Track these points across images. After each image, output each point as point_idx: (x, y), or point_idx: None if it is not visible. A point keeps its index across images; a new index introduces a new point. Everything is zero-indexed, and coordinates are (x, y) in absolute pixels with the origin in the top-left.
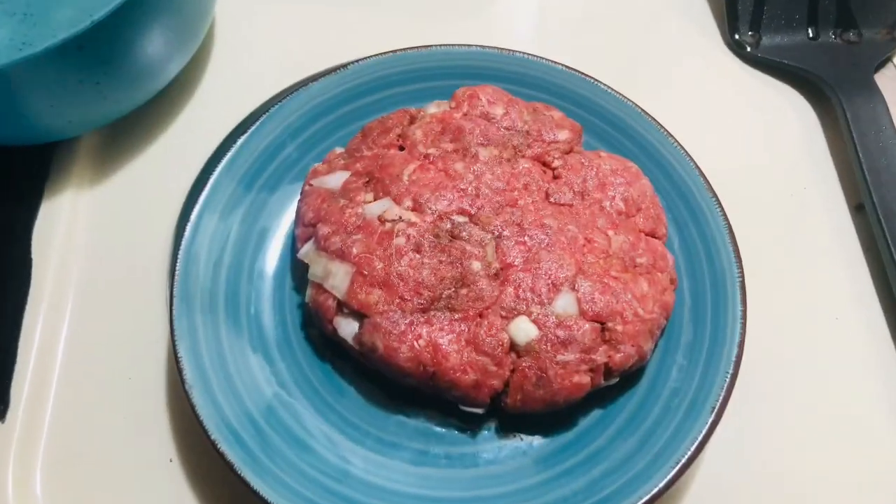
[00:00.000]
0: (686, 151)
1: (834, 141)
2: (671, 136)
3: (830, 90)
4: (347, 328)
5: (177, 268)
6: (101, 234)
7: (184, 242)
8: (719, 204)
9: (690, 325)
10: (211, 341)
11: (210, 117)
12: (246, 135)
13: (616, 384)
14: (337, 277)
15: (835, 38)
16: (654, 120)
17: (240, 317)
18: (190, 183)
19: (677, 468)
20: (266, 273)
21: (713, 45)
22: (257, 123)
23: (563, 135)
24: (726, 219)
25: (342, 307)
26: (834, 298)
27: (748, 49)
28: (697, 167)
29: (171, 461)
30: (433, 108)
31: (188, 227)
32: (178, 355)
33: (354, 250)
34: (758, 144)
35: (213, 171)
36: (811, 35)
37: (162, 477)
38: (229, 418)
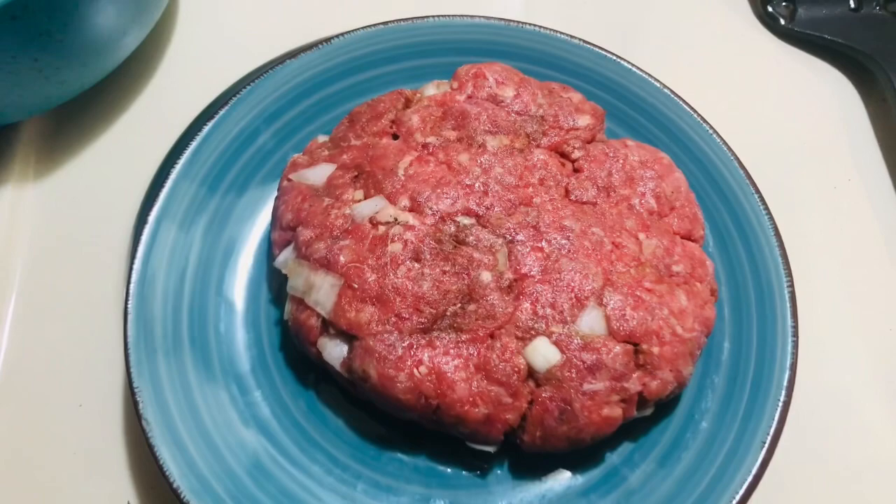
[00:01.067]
0: (723, 139)
1: (880, 124)
2: (706, 121)
3: (877, 67)
4: (334, 352)
5: (129, 297)
6: (46, 236)
7: (136, 265)
8: (763, 201)
9: (730, 341)
10: (175, 376)
11: (172, 101)
12: (212, 122)
13: (650, 413)
14: (321, 291)
15: (880, 10)
16: (687, 104)
17: (208, 340)
18: (151, 174)
19: None
20: (237, 284)
21: (743, 17)
22: (226, 108)
23: (584, 120)
24: (772, 218)
25: (328, 327)
26: (887, 304)
27: (782, 22)
28: (736, 157)
29: None
30: (432, 90)
31: (140, 248)
32: (137, 396)
33: (342, 259)
34: (794, 131)
35: (174, 166)
36: (853, 6)
37: None
38: (197, 464)
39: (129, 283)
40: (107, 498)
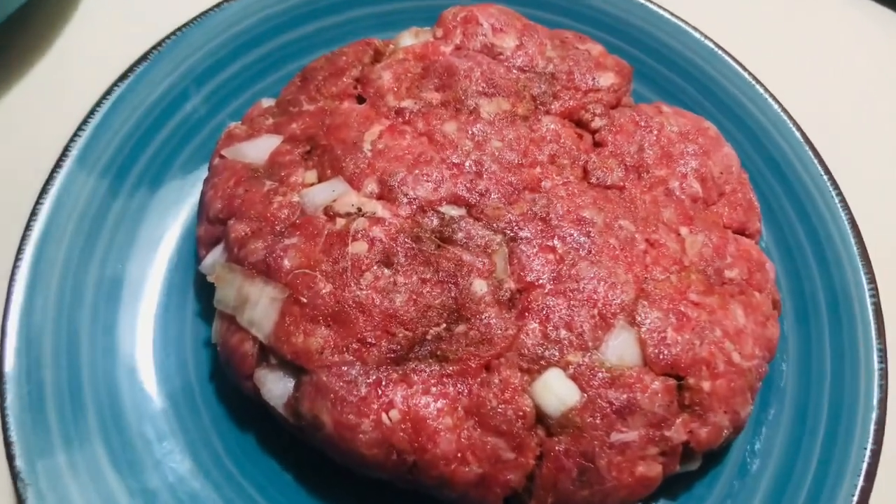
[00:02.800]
0: (783, 106)
1: None
2: (759, 82)
3: None
4: (276, 388)
5: (6, 327)
6: None
7: (17, 285)
8: (835, 185)
9: (793, 363)
10: (69, 424)
11: (86, 57)
12: (123, 84)
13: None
14: (258, 307)
15: None
16: (736, 60)
17: (114, 373)
18: (57, 149)
19: None
20: (151, 295)
21: None
22: (144, 64)
23: (607, 79)
24: (847, 208)
25: (267, 355)
26: None
27: None
28: (799, 128)
29: None
30: (409, 39)
31: (23, 263)
32: (14, 454)
33: (286, 263)
34: (870, 97)
35: (67, 154)
36: None
37: None
38: None
39: (6, 312)
40: None
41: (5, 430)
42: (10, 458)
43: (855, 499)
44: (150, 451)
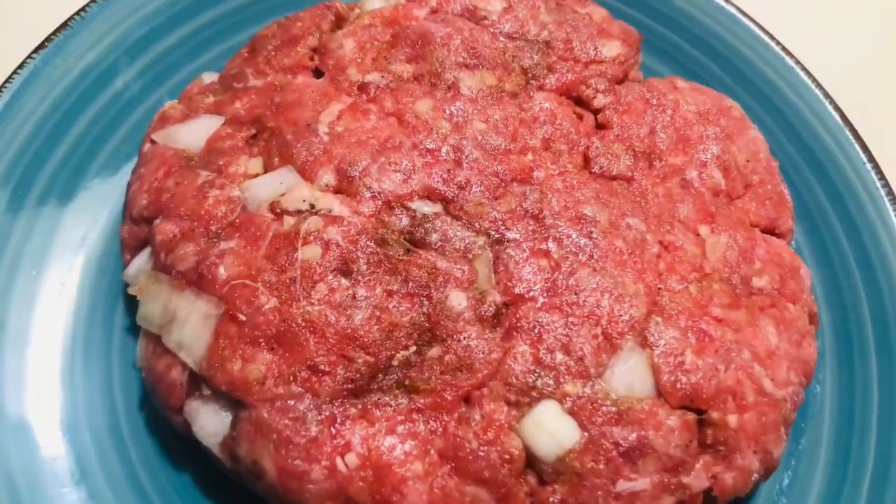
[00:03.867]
0: (816, 80)
1: None
2: (790, 55)
3: None
4: (210, 424)
5: None
6: None
7: None
8: (881, 174)
9: (835, 389)
10: None
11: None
12: (37, 57)
13: None
14: (188, 326)
15: None
16: (763, 28)
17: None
18: None
19: None
20: (66, 304)
21: None
22: (63, 32)
23: (612, 49)
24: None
25: (199, 384)
26: None
27: None
28: (839, 109)
29: None
30: (377, 2)
31: None
32: None
33: (222, 271)
34: None
35: None
36: None
37: None
38: None
39: None
40: None
41: None
42: None
43: None
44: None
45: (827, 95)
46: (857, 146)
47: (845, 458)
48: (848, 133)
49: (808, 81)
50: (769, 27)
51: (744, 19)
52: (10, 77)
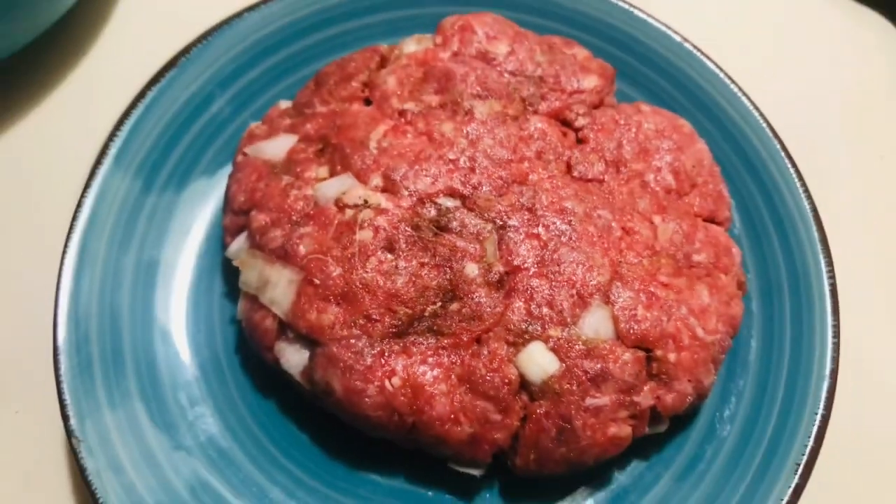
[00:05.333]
0: (754, 103)
1: None
2: (734, 82)
3: None
4: (293, 359)
5: (58, 304)
6: None
7: (67, 267)
8: (800, 176)
9: (760, 339)
10: (113, 389)
11: (117, 63)
12: (155, 88)
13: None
14: (277, 288)
15: None
16: (711, 60)
17: (152, 344)
18: (96, 148)
19: None
20: (183, 278)
21: None
22: (173, 70)
23: (590, 81)
24: (810, 197)
25: (286, 329)
26: None
27: None
28: (769, 124)
29: None
30: (412, 46)
31: (70, 249)
32: (67, 411)
33: (301, 249)
34: (835, 91)
35: (107, 152)
36: None
37: None
38: (137, 489)
39: (58, 289)
40: None
41: (60, 395)
42: (66, 418)
43: (804, 458)
44: (184, 415)
45: (761, 114)
46: (783, 154)
47: (764, 388)
48: (776, 144)
49: (747, 103)
50: (717, 59)
51: (698, 54)
52: (134, 103)
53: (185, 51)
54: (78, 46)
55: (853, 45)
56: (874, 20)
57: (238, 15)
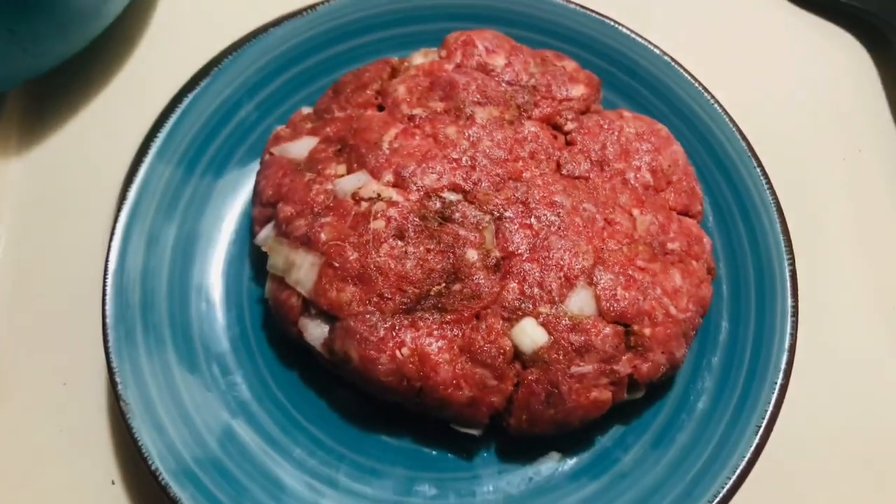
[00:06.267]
0: (725, 110)
1: (894, 91)
2: (707, 91)
3: (890, 30)
4: (315, 332)
5: (107, 279)
6: (28, 211)
7: (114, 246)
8: (765, 175)
9: (728, 320)
10: (154, 357)
11: (155, 71)
12: (191, 95)
13: (641, 396)
14: (301, 270)
15: None
16: (687, 71)
17: (188, 321)
18: (136, 145)
19: (715, 503)
20: (217, 263)
21: None
22: (207, 79)
23: (578, 90)
24: (773, 193)
25: (308, 307)
26: (894, 283)
27: None
28: (738, 129)
29: (112, 483)
30: (419, 59)
31: (118, 230)
32: (116, 377)
33: (323, 236)
34: (804, 100)
35: (150, 147)
36: None
37: (102, 502)
38: (176, 446)
39: (106, 264)
40: (91, 476)
41: (109, 364)
42: (114, 385)
43: (764, 421)
44: (217, 384)
45: (731, 119)
46: (749, 155)
47: (731, 361)
48: (744, 145)
49: (720, 111)
50: (693, 70)
51: (675, 65)
52: (173, 107)
53: (217, 62)
54: (119, 57)
55: (822, 60)
56: (840, 36)
57: (264, 30)
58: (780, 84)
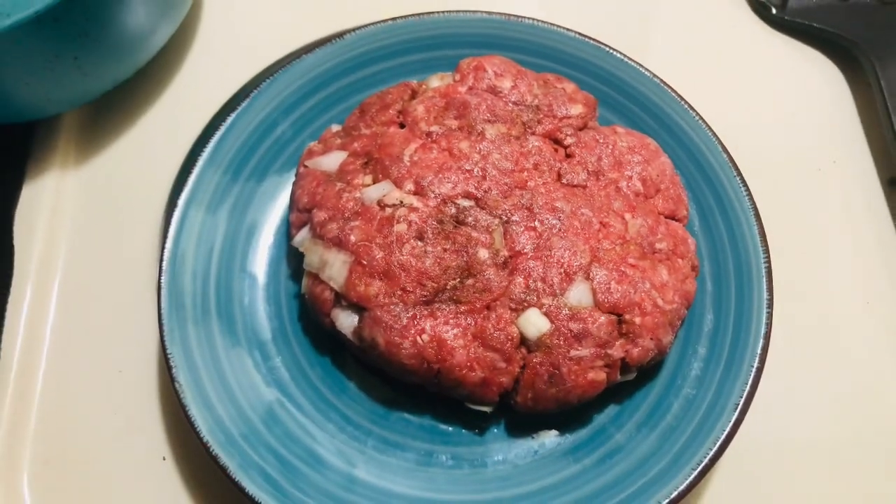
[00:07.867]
0: (708, 125)
1: (866, 111)
2: (692, 108)
3: (863, 55)
4: (346, 322)
5: (162, 273)
6: (86, 220)
7: (168, 244)
8: (744, 183)
9: (712, 313)
10: (203, 343)
11: (198, 93)
12: (233, 114)
13: (633, 378)
14: (334, 267)
15: None
16: (675, 91)
17: (233, 312)
18: (180, 160)
19: (699, 470)
20: (259, 262)
21: (735, 6)
22: (247, 100)
23: (577, 109)
24: (752, 199)
25: (340, 299)
26: (865, 281)
27: (773, 11)
28: (720, 142)
29: (163, 459)
30: (436, 82)
31: (171, 230)
32: (170, 361)
33: (352, 238)
34: (783, 115)
35: (200, 155)
36: None
37: (154, 476)
38: (224, 422)
39: (161, 260)
40: (144, 453)
41: (165, 350)
42: (169, 368)
43: (742, 399)
44: (259, 368)
45: (714, 134)
46: (730, 165)
47: (713, 348)
48: (726, 158)
49: (703, 126)
50: (679, 90)
51: (664, 86)
52: (216, 124)
53: (255, 84)
54: (164, 81)
55: (799, 80)
56: (817, 58)
57: (297, 55)
58: (761, 101)
